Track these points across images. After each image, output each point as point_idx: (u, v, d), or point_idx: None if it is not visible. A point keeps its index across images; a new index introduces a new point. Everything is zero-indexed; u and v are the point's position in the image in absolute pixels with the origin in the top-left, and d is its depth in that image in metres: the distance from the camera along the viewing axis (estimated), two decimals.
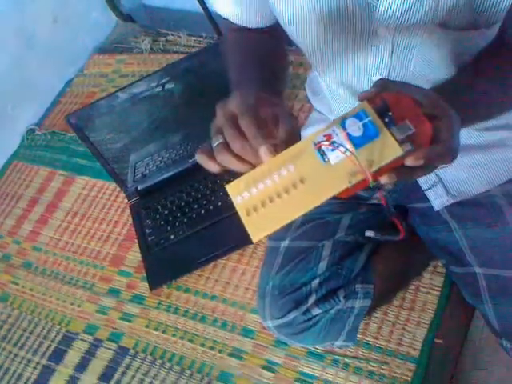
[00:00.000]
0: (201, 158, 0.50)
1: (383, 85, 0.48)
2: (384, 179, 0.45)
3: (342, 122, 0.45)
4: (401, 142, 0.44)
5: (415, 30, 0.60)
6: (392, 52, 0.64)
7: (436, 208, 0.80)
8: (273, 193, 0.45)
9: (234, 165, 0.48)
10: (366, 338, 0.94)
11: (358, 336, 0.92)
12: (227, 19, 0.73)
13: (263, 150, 0.45)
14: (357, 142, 0.44)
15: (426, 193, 0.80)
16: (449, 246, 0.82)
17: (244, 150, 0.47)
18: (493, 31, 0.61)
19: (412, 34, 0.61)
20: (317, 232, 0.85)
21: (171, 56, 1.51)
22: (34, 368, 1.12)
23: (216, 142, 0.48)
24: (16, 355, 1.15)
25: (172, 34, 1.59)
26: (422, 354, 0.90)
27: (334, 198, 0.45)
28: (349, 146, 0.44)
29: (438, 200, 0.80)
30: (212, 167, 0.50)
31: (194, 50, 1.52)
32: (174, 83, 1.11)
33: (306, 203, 0.44)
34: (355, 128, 0.44)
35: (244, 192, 0.46)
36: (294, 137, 0.47)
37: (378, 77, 0.68)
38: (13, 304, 1.22)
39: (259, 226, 0.45)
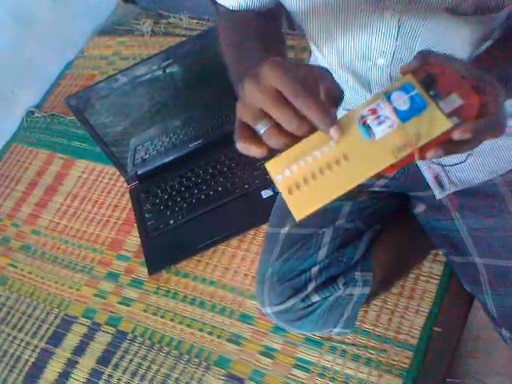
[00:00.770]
0: (245, 148, 0.45)
1: (426, 57, 0.46)
2: (430, 154, 0.43)
3: (387, 96, 0.43)
4: (448, 116, 0.42)
5: (422, 14, 0.59)
6: (397, 34, 0.63)
7: (438, 196, 0.79)
8: (315, 170, 0.43)
9: (290, 145, 0.44)
10: (365, 326, 0.94)
11: (357, 323, 0.92)
12: (222, 5, 0.71)
13: (335, 131, 0.42)
14: (403, 116, 0.42)
15: (428, 180, 0.79)
16: (449, 234, 0.81)
17: (303, 129, 0.43)
18: (502, 15, 0.60)
19: (419, 18, 0.60)
20: (317, 219, 0.85)
21: (173, 39, 1.50)
22: (33, 351, 1.12)
23: (264, 127, 0.43)
24: (15, 338, 1.15)
25: (174, 17, 1.57)
26: (420, 342, 0.90)
27: (377, 175, 0.43)
28: (395, 119, 0.42)
29: (440, 188, 0.79)
30: (260, 153, 0.45)
31: (195, 32, 1.50)
32: (175, 66, 1.10)
33: (350, 180, 0.42)
34: (401, 101, 0.43)
35: (284, 170, 0.44)
36: (337, 92, 0.44)
37: (382, 60, 0.67)
38: (12, 287, 1.22)
39: (302, 204, 0.43)
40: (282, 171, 0.44)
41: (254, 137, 0.44)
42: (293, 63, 0.45)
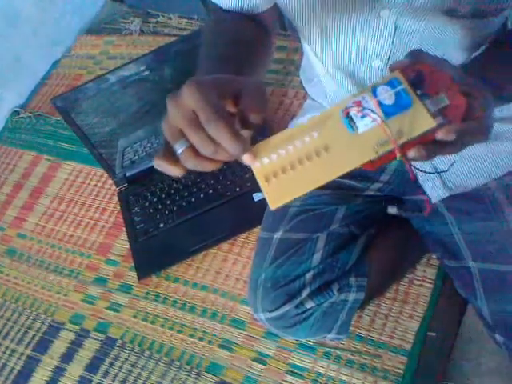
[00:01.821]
0: (160, 166, 0.44)
1: (417, 55, 0.45)
2: (412, 153, 0.42)
3: (372, 90, 0.43)
4: (434, 115, 0.42)
5: (420, 16, 0.58)
6: (394, 36, 0.62)
7: (432, 200, 0.79)
8: (295, 160, 0.43)
9: (207, 168, 0.44)
10: (359, 331, 0.93)
11: (351, 328, 0.91)
12: (215, 4, 0.68)
13: (247, 158, 0.42)
14: (388, 111, 0.42)
15: (422, 185, 0.78)
16: (444, 239, 0.81)
17: (218, 153, 0.42)
18: (500, 19, 0.59)
19: (416, 20, 0.59)
20: (311, 224, 0.83)
21: (162, 38, 1.48)
22: (19, 358, 1.09)
23: (180, 147, 0.42)
24: None
25: (162, 16, 1.55)
26: (414, 346, 0.90)
27: (356, 169, 0.43)
28: (379, 113, 0.42)
29: (434, 193, 0.78)
30: (177, 172, 0.44)
31: (185, 32, 1.48)
32: (165, 67, 1.08)
33: (328, 172, 0.42)
34: (387, 96, 0.42)
35: (263, 157, 0.43)
36: (259, 105, 0.43)
37: (378, 62, 0.66)
38: None
39: (278, 193, 0.43)
40: (261, 158, 0.43)
41: (173, 155, 0.43)
42: (217, 81, 0.44)
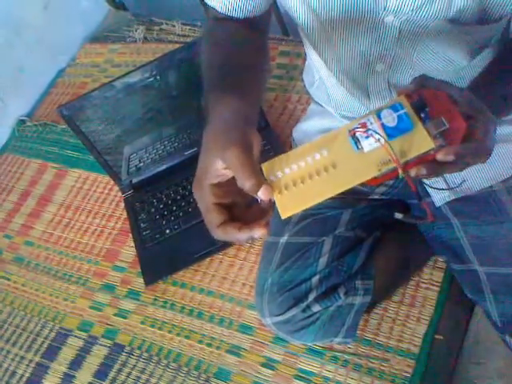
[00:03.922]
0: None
1: (422, 81, 0.48)
2: (413, 171, 0.46)
3: (377, 113, 0.46)
4: (434, 137, 0.45)
5: (424, 22, 0.59)
6: (397, 40, 0.62)
7: (437, 204, 0.79)
8: (305, 174, 0.47)
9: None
10: (366, 335, 0.93)
11: (358, 332, 0.91)
12: (213, 8, 0.67)
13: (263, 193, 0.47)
14: (390, 133, 0.45)
15: (427, 188, 0.78)
16: (450, 242, 0.81)
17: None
18: (501, 25, 0.60)
19: (420, 25, 0.59)
20: (316, 227, 0.84)
21: (166, 46, 1.48)
22: (27, 365, 1.10)
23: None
24: (9, 352, 1.13)
25: (166, 23, 1.56)
26: (422, 350, 0.89)
27: (363, 184, 0.47)
28: (382, 134, 0.45)
29: (439, 196, 0.78)
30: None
31: (188, 39, 1.49)
32: (169, 74, 1.08)
33: (335, 187, 0.46)
34: (390, 119, 0.46)
35: (278, 171, 0.48)
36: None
37: (381, 66, 0.67)
38: (4, 300, 1.20)
39: (288, 205, 0.47)
40: (275, 173, 0.48)
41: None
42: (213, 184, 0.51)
